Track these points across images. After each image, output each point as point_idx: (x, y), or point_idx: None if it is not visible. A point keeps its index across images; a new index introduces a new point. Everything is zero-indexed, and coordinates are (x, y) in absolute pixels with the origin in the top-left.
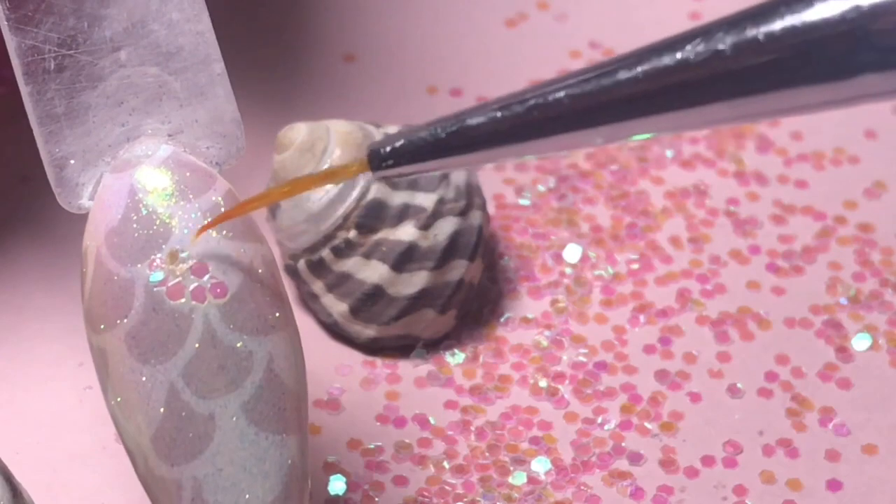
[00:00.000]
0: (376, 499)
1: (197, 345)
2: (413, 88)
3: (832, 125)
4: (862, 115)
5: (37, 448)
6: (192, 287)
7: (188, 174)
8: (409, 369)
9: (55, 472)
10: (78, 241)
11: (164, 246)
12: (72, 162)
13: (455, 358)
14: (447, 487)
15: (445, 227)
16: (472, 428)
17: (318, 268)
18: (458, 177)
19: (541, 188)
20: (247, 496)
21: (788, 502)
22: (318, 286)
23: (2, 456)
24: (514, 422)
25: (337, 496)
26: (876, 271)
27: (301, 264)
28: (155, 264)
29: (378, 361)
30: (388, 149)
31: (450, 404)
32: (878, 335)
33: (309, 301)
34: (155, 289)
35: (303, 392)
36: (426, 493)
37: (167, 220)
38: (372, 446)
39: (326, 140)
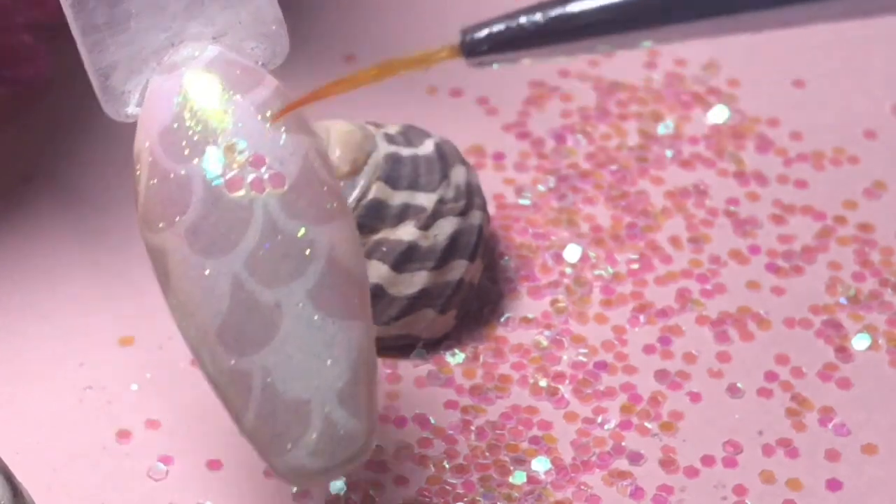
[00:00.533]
0: (377, 499)
1: (259, 235)
2: (413, 88)
3: (831, 125)
4: (862, 115)
5: (37, 448)
6: (250, 178)
7: (237, 72)
8: (410, 369)
9: (55, 471)
10: (77, 239)
11: (219, 140)
12: (116, 70)
13: (455, 358)
14: (447, 487)
15: (445, 227)
16: (473, 428)
17: None
18: (458, 177)
19: (541, 188)
20: (317, 382)
21: (788, 502)
22: None
23: (2, 456)
24: (514, 422)
25: (337, 496)
26: (875, 271)
27: None
28: (211, 159)
29: (378, 361)
30: (483, 34)
31: (450, 404)
32: (877, 335)
33: None
34: (213, 183)
35: (364, 279)
36: (426, 493)
37: (221, 115)
38: (372, 446)
39: (326, 140)
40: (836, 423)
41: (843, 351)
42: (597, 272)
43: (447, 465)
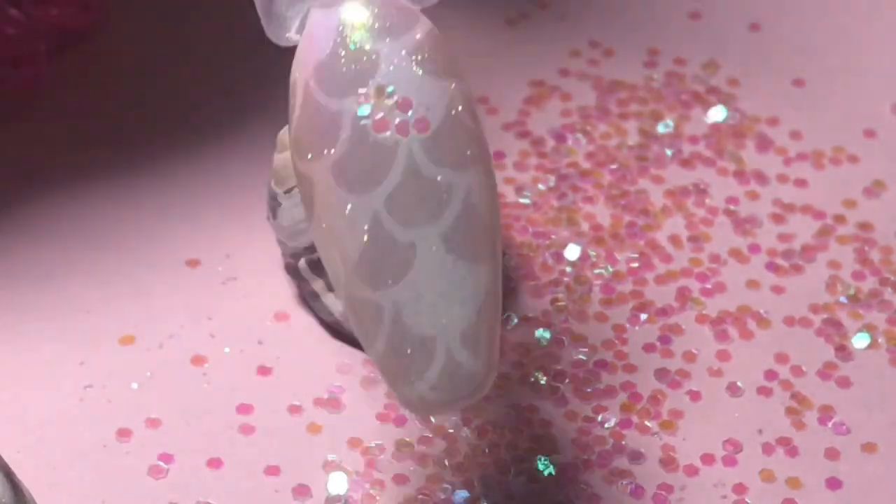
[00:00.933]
0: (377, 497)
1: (400, 177)
2: None
3: (831, 124)
4: (861, 114)
5: (38, 446)
6: (396, 121)
7: (394, 11)
8: None
9: (56, 470)
10: (77, 238)
11: (370, 81)
12: None
13: None
14: (447, 486)
15: None
16: (473, 427)
17: (320, 267)
18: None
19: (541, 187)
20: (444, 321)
21: (788, 501)
22: (318, 285)
23: (3, 454)
24: (514, 420)
25: (338, 495)
26: (875, 270)
27: (302, 263)
28: (362, 98)
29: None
30: None
31: None
32: (877, 334)
33: (310, 300)
34: (361, 122)
35: (497, 224)
36: (426, 492)
37: (374, 57)
38: (372, 444)
39: None
40: (835, 421)
41: (843, 350)
42: (597, 271)
43: (447, 464)
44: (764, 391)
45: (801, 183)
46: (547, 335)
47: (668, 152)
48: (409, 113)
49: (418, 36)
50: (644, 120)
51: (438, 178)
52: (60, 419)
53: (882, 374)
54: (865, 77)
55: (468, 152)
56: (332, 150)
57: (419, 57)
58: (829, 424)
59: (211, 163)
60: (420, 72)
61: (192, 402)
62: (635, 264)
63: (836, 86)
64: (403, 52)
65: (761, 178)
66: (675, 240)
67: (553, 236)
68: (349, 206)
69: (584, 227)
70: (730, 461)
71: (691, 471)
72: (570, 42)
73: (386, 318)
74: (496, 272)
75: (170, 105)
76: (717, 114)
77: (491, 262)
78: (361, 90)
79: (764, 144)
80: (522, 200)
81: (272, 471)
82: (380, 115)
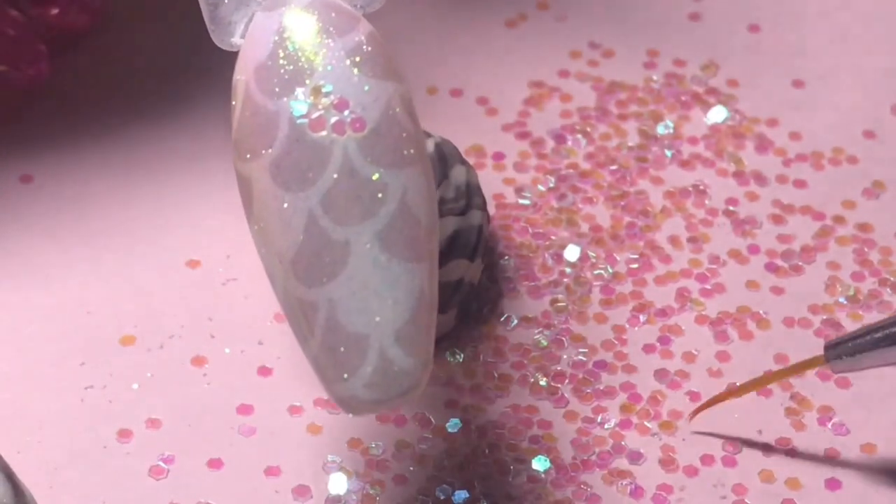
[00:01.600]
0: (377, 497)
1: (335, 175)
2: (413, 88)
3: (831, 125)
4: (861, 115)
5: (38, 447)
6: (332, 120)
7: (333, 14)
8: None
9: (56, 470)
10: (77, 238)
11: (307, 81)
12: (226, 1)
13: (455, 358)
14: (447, 486)
15: (445, 227)
16: (473, 427)
17: None
18: (458, 177)
19: (541, 188)
20: (377, 318)
21: (787, 501)
22: None
23: (3, 454)
24: (514, 421)
25: (338, 495)
26: (875, 271)
27: None
28: (299, 98)
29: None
30: (841, 347)
31: (450, 403)
32: None
33: None
34: (298, 121)
35: (433, 223)
36: (426, 492)
37: (312, 57)
38: (372, 445)
39: None
40: (835, 422)
41: None
42: (596, 272)
43: (447, 464)
44: (763, 392)
45: (800, 184)
46: (547, 336)
47: (668, 153)
48: (346, 112)
49: (357, 38)
50: (644, 121)
51: (374, 177)
52: (61, 419)
53: (882, 374)
54: (865, 77)
55: (405, 152)
56: (270, 150)
57: (357, 58)
58: (829, 425)
59: (211, 163)
60: (357, 72)
61: (192, 402)
62: (635, 265)
63: (836, 86)
64: (342, 54)
65: (761, 178)
66: (674, 240)
67: (553, 237)
68: (285, 205)
69: (584, 227)
70: (729, 462)
71: (691, 471)
72: (570, 43)
73: (320, 315)
74: (432, 271)
75: (170, 105)
76: (716, 115)
77: (427, 262)
78: (299, 90)
79: (763, 145)
80: (522, 201)
81: (272, 471)
82: (316, 114)
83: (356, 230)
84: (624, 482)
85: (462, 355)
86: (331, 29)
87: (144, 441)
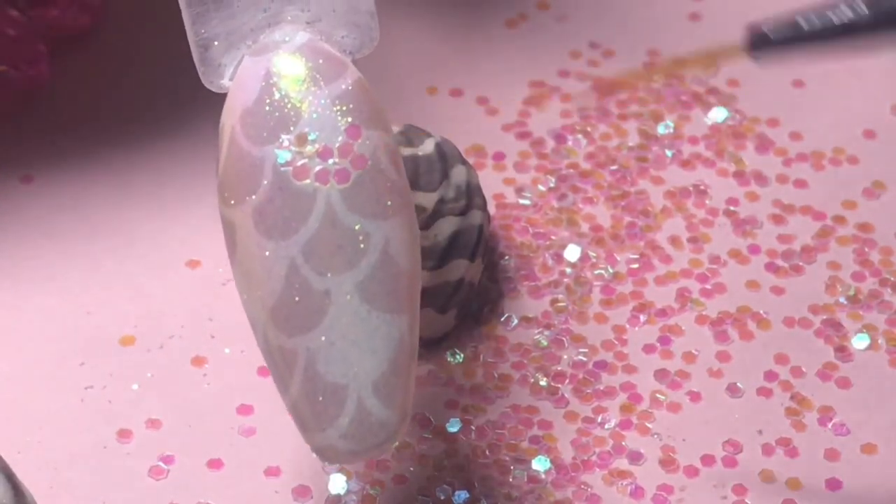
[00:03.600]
0: (377, 498)
1: (318, 224)
2: (413, 88)
3: (831, 125)
4: (861, 115)
5: (38, 448)
6: (316, 169)
7: (321, 61)
8: None
9: (56, 471)
10: (77, 239)
11: (293, 128)
12: (216, 43)
13: (455, 357)
14: (447, 486)
15: (445, 227)
16: (473, 427)
17: None
18: (459, 176)
19: (541, 188)
20: (356, 369)
21: (788, 501)
22: None
23: (3, 455)
24: (514, 421)
25: (338, 495)
26: (875, 271)
27: None
28: (283, 145)
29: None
30: (767, 30)
31: (450, 404)
32: (877, 335)
33: None
34: (282, 169)
35: (416, 273)
36: (426, 492)
37: (298, 105)
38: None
39: None
40: (835, 422)
41: (843, 350)
42: (597, 272)
43: (447, 464)
44: (764, 392)
45: (800, 184)
46: (547, 336)
47: (668, 153)
48: (331, 161)
49: (344, 86)
50: (644, 121)
51: (356, 227)
52: (61, 420)
53: (882, 374)
54: (865, 77)
55: (388, 203)
56: (254, 196)
57: (343, 107)
58: (829, 425)
59: (211, 163)
60: (343, 121)
61: (192, 402)
62: (635, 265)
63: (836, 86)
64: (328, 101)
65: (761, 178)
66: (674, 241)
67: (553, 237)
68: (267, 252)
69: (584, 227)
70: (730, 462)
71: (691, 471)
72: (570, 43)
73: (299, 364)
74: (413, 322)
75: (170, 105)
76: (717, 114)
77: (408, 313)
78: (284, 136)
79: (764, 145)
80: (522, 201)
81: (272, 471)
82: (301, 162)
83: (337, 281)
84: (624, 482)
85: (462, 355)
86: (317, 76)
87: (144, 441)
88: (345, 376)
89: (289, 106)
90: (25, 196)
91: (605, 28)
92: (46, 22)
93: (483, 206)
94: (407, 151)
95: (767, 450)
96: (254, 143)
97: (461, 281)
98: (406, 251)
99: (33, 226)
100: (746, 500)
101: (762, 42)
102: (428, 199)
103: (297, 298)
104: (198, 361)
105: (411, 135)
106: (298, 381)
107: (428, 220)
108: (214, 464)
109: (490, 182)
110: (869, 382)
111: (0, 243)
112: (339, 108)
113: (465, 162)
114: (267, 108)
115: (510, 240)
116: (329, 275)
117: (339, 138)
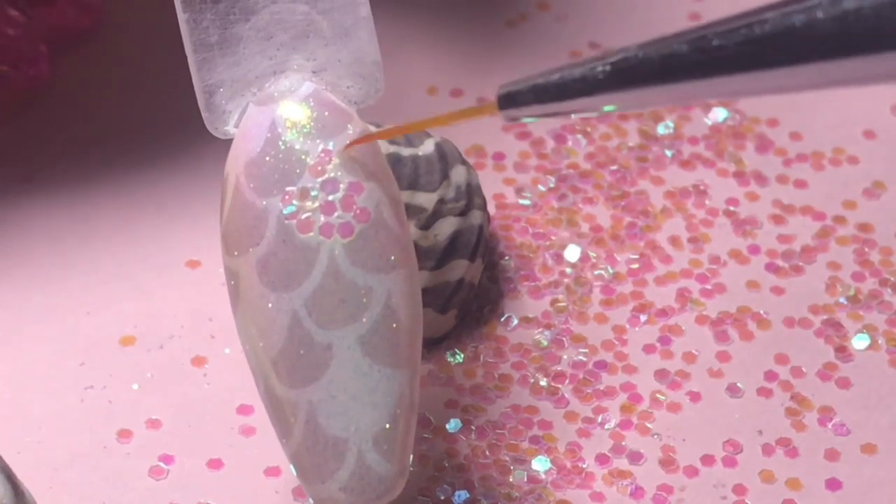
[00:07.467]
0: None
1: (321, 278)
2: (413, 88)
3: (831, 125)
4: (861, 115)
5: (38, 448)
6: (320, 223)
7: (326, 113)
8: None
9: (56, 471)
10: (77, 239)
11: (297, 181)
12: (221, 90)
13: (455, 358)
14: (447, 486)
15: (445, 227)
16: (473, 427)
17: None
18: (459, 177)
19: (541, 188)
20: (357, 423)
21: (788, 501)
22: None
23: (3, 455)
24: (515, 421)
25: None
26: (875, 271)
27: None
28: (287, 198)
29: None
30: (513, 90)
31: (450, 404)
32: (877, 335)
33: None
34: (286, 221)
35: (417, 328)
36: (427, 493)
37: (302, 157)
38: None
39: None
40: (835, 422)
41: (843, 351)
42: (597, 272)
43: (447, 465)
44: (764, 392)
45: (800, 184)
46: (547, 336)
47: (668, 153)
48: (335, 215)
49: (349, 138)
50: (644, 121)
51: (359, 281)
52: (60, 420)
53: (882, 374)
54: None
55: (392, 257)
56: (257, 248)
57: (347, 160)
58: (829, 425)
59: (211, 163)
60: (346, 175)
61: (192, 402)
62: (635, 265)
63: None
64: (332, 155)
65: (761, 178)
66: (674, 241)
67: (553, 237)
68: (270, 304)
69: (584, 228)
70: (730, 462)
71: (691, 471)
72: (570, 43)
73: (300, 415)
74: (413, 377)
75: (170, 105)
76: (716, 115)
77: (408, 368)
78: (288, 189)
79: (764, 145)
80: (522, 202)
81: (272, 471)
82: (305, 215)
83: (339, 334)
84: (624, 482)
85: (462, 355)
86: (322, 127)
87: (144, 441)
88: (345, 430)
89: (293, 158)
90: (25, 196)
91: (605, 28)
92: (46, 22)
93: (483, 207)
94: (407, 151)
95: (767, 450)
96: (258, 194)
97: (461, 281)
98: (408, 306)
99: (33, 226)
100: (746, 500)
101: (508, 101)
102: (428, 200)
103: (299, 351)
104: (198, 361)
105: (411, 135)
106: (300, 433)
107: (428, 220)
108: (214, 464)
109: (490, 182)
110: (869, 382)
111: (0, 243)
112: (342, 161)
113: (465, 162)
114: (271, 159)
115: (510, 240)
116: (331, 328)
117: (343, 192)
